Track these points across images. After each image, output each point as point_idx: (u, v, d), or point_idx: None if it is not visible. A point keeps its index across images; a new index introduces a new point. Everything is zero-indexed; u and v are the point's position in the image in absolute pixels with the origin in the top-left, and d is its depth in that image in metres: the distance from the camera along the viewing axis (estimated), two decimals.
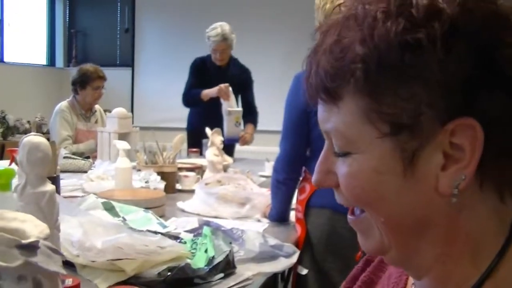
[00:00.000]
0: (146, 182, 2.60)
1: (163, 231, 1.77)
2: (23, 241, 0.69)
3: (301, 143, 2.15)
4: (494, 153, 0.56)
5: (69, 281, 1.13)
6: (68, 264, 1.46)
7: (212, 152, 3.03)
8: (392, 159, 0.57)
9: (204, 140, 3.57)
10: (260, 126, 4.47)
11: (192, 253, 1.60)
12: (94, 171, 2.97)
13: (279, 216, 2.25)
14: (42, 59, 7.55)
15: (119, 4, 7.44)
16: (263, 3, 6.67)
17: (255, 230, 1.86)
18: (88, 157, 3.51)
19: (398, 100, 0.55)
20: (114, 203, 1.90)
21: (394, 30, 0.55)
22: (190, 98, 4.29)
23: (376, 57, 0.55)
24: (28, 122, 5.98)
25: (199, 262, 1.53)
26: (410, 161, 0.57)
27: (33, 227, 0.73)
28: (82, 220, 1.53)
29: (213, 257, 1.53)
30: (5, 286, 0.69)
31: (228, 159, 3.36)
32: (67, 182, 2.78)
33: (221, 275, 1.49)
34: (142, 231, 1.64)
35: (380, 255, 0.83)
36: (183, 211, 2.39)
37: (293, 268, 2.13)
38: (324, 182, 0.66)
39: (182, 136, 3.06)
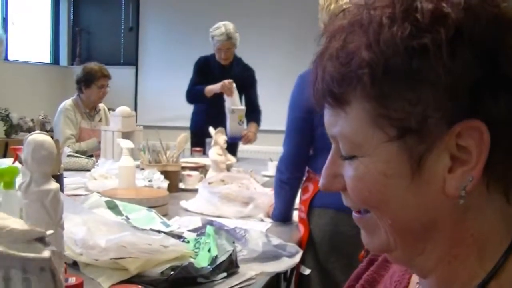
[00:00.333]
0: (149, 181, 2.60)
1: (166, 230, 1.77)
2: (40, 234, 0.70)
3: (305, 142, 2.15)
4: (501, 154, 0.56)
5: (72, 279, 1.13)
6: (71, 262, 1.46)
7: (216, 152, 3.04)
8: (399, 163, 0.58)
9: (207, 140, 3.57)
10: (263, 126, 4.46)
11: (195, 252, 1.61)
12: (97, 169, 2.97)
13: (282, 215, 2.25)
14: (46, 57, 7.56)
15: (123, 2, 7.44)
16: (267, 2, 6.66)
17: (258, 230, 1.86)
18: (91, 156, 3.51)
19: (405, 104, 0.56)
20: (117, 202, 1.90)
21: (399, 35, 0.55)
22: (193, 94, 4.29)
23: (383, 62, 0.55)
24: (32, 120, 5.99)
25: (202, 261, 1.54)
26: (418, 164, 0.57)
27: (16, 223, 0.73)
28: (85, 219, 1.54)
29: (216, 257, 1.53)
30: (32, 280, 0.70)
31: (232, 159, 3.36)
32: (71, 180, 2.78)
33: (224, 274, 1.49)
34: (145, 230, 1.64)
35: (384, 253, 0.83)
36: (186, 210, 2.39)
37: (296, 268, 2.13)
38: (331, 186, 0.66)
39: (185, 135, 3.06)
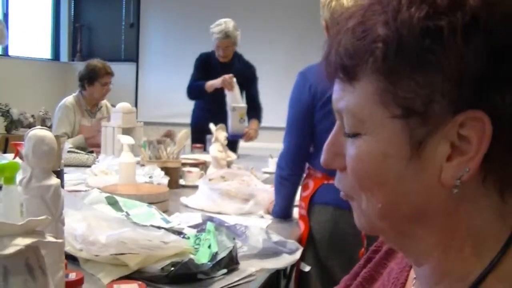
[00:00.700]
0: (149, 177, 2.60)
1: (167, 226, 1.77)
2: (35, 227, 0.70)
3: (305, 139, 2.16)
4: (500, 150, 0.56)
5: (72, 275, 1.13)
6: (71, 258, 1.46)
7: (216, 148, 3.04)
8: (399, 143, 0.58)
9: (208, 136, 3.57)
10: (264, 123, 4.46)
11: (196, 248, 1.61)
12: (97, 165, 2.97)
13: (282, 212, 2.26)
14: (47, 53, 7.56)
15: None
16: None
17: (258, 226, 1.86)
18: (92, 152, 3.51)
19: (413, 84, 0.56)
20: (118, 198, 1.90)
21: (417, 15, 0.55)
22: (194, 90, 4.29)
23: (397, 39, 0.56)
24: (32, 116, 5.99)
25: (202, 257, 1.54)
26: (417, 147, 0.57)
27: None
28: (86, 215, 1.54)
29: (216, 253, 1.53)
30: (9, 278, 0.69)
31: (232, 155, 3.36)
32: (71, 176, 2.78)
33: (224, 270, 1.49)
34: (145, 226, 1.64)
35: (381, 252, 0.83)
36: (186, 206, 2.40)
37: (296, 265, 2.13)
38: (332, 162, 0.66)
39: (186, 132, 3.06)
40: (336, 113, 0.65)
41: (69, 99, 4.06)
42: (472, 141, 0.55)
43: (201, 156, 3.49)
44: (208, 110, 4.26)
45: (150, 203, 1.97)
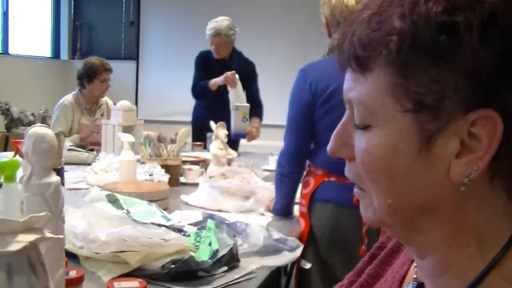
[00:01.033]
0: (150, 175, 2.60)
1: (167, 224, 1.77)
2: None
3: (305, 136, 2.15)
4: (510, 149, 0.56)
5: (72, 273, 1.13)
6: (71, 256, 1.46)
7: (217, 146, 3.03)
8: (410, 137, 0.58)
9: (208, 134, 3.57)
10: (264, 121, 4.46)
11: (196, 246, 1.61)
12: (98, 163, 2.97)
13: (283, 210, 2.25)
14: (47, 52, 7.56)
15: None
16: None
17: (259, 224, 1.86)
18: (92, 150, 3.51)
19: (426, 79, 0.56)
20: (118, 196, 1.90)
21: (434, 10, 0.55)
22: (198, 90, 4.30)
23: (413, 33, 0.56)
24: (32, 114, 5.99)
25: (203, 255, 1.54)
26: (427, 143, 0.57)
27: None
28: (86, 212, 1.54)
29: (217, 250, 1.53)
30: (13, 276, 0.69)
31: (233, 153, 3.35)
32: (71, 174, 2.79)
33: (225, 268, 1.49)
34: (146, 223, 1.64)
35: (386, 248, 0.83)
36: (187, 204, 2.39)
37: (296, 262, 2.13)
38: (339, 151, 0.66)
39: (186, 130, 3.06)
40: (346, 103, 0.65)
41: (68, 98, 4.05)
42: (482, 140, 0.55)
43: (201, 154, 3.49)
44: (209, 108, 4.26)
45: (151, 201, 1.97)
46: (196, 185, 2.62)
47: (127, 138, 2.63)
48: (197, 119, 4.45)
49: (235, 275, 1.49)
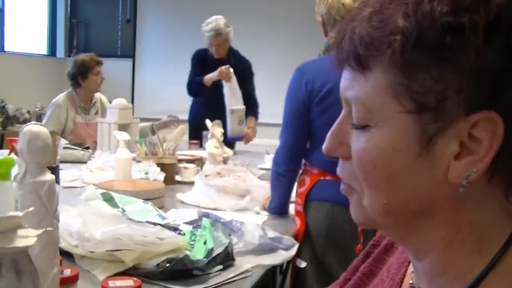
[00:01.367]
0: (145, 173, 2.60)
1: (162, 222, 1.77)
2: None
3: (301, 135, 2.15)
4: (509, 151, 0.55)
5: (67, 271, 1.12)
6: (66, 255, 1.46)
7: (212, 144, 3.03)
8: (410, 138, 0.57)
9: (204, 132, 3.56)
10: (260, 119, 4.46)
11: (191, 244, 1.60)
12: (93, 161, 2.97)
13: (278, 208, 2.25)
14: (43, 49, 7.54)
15: None
16: None
17: (254, 223, 1.86)
18: (87, 148, 3.51)
19: (428, 79, 0.55)
20: (114, 194, 1.90)
21: (439, 10, 0.54)
22: (193, 86, 4.30)
23: (417, 33, 0.55)
24: (28, 112, 5.97)
25: (198, 253, 1.53)
26: (427, 143, 0.56)
27: None
28: (81, 211, 1.53)
29: (212, 249, 1.53)
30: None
31: (228, 151, 3.35)
32: (67, 172, 2.78)
33: (220, 267, 1.49)
34: (141, 222, 1.64)
35: (380, 247, 0.83)
36: (182, 202, 2.39)
37: (292, 261, 2.13)
38: (334, 151, 0.65)
39: (182, 128, 3.06)
40: (343, 102, 0.64)
41: (62, 97, 4.03)
42: (483, 142, 0.55)
43: (197, 152, 3.49)
44: (205, 106, 4.25)
45: (146, 199, 1.97)
46: (191, 183, 2.62)
47: (123, 136, 2.63)
48: (194, 117, 4.45)
49: (230, 274, 1.49)
